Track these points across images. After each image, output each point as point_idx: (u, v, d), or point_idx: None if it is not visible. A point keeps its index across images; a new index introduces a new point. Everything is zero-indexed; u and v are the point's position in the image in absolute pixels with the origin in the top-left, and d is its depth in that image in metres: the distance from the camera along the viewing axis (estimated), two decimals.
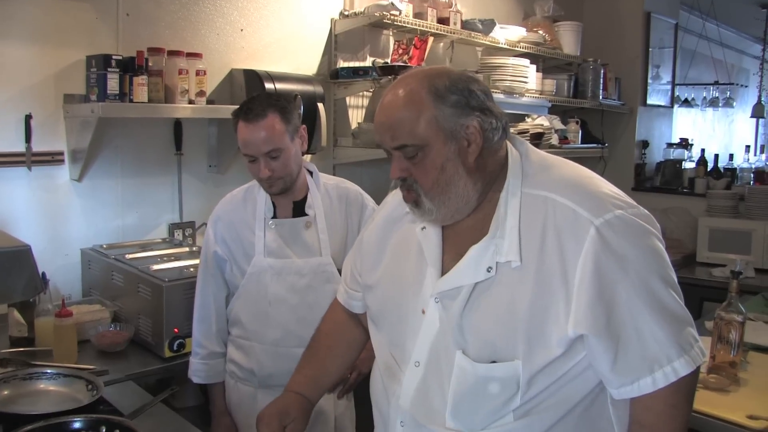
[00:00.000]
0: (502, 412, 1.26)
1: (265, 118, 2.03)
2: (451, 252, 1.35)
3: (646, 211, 1.28)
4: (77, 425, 1.60)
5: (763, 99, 6.68)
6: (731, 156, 5.58)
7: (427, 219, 1.35)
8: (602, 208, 1.23)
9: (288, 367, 1.76)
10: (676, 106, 6.11)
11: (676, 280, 1.26)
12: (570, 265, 1.21)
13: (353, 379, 2.25)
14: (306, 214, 2.20)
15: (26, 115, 2.57)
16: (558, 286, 1.22)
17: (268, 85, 3.06)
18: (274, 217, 2.19)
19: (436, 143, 1.27)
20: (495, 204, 1.31)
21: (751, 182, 5.11)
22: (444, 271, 1.34)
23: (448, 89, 1.27)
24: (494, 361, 1.25)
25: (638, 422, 1.28)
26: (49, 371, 1.93)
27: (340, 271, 2.15)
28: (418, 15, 3.66)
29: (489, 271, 1.27)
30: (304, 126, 2.17)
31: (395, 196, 1.55)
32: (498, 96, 3.87)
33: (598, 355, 1.22)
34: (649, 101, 5.53)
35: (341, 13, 3.61)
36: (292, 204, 2.20)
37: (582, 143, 4.90)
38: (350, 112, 3.77)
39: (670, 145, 5.75)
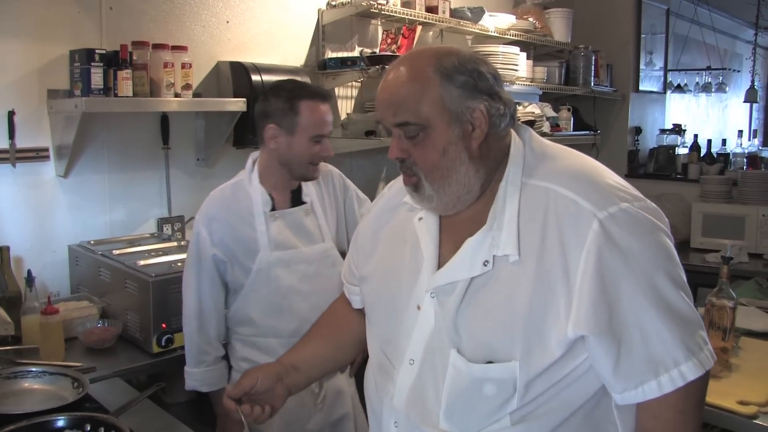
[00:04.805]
0: (497, 415, 1.20)
1: (328, 100, 2.15)
2: (449, 244, 1.29)
3: (653, 204, 1.21)
4: (61, 424, 1.58)
5: (756, 84, 6.65)
6: (724, 141, 5.57)
7: (427, 206, 1.30)
8: (606, 200, 1.17)
9: None
10: (668, 92, 6.09)
11: (685, 279, 1.19)
12: (572, 261, 1.15)
13: (360, 359, 2.23)
14: (304, 202, 2.20)
15: (9, 111, 2.54)
16: (558, 284, 1.15)
17: (255, 78, 3.04)
18: (273, 209, 2.16)
19: (440, 124, 1.21)
20: (495, 194, 1.25)
21: (744, 167, 5.09)
22: (441, 264, 1.29)
23: (457, 69, 1.22)
24: (490, 362, 1.19)
25: (645, 430, 1.21)
26: (33, 369, 1.91)
27: (341, 254, 2.16)
28: (406, 4, 3.63)
29: (485, 266, 1.21)
30: None
31: (392, 187, 1.51)
32: None
33: (600, 357, 1.16)
34: (642, 87, 5.50)
35: (328, 3, 3.58)
36: (290, 194, 2.20)
37: (574, 130, 4.88)
38: (339, 102, 3.74)
39: (663, 131, 5.73)
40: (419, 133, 1.23)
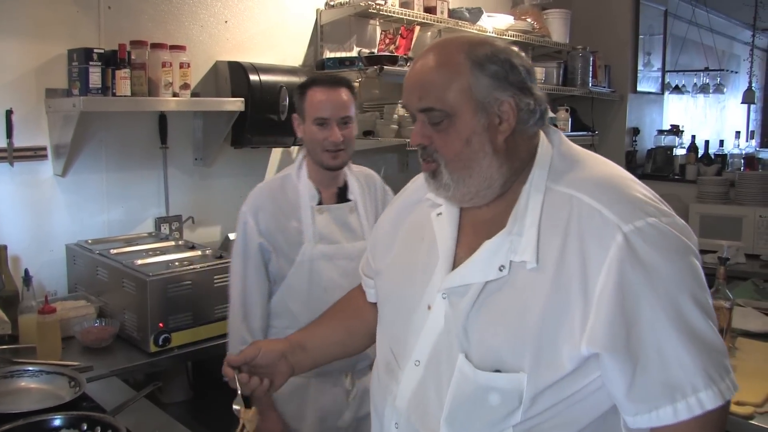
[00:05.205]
0: (500, 426, 1.15)
1: (342, 87, 2.15)
2: (466, 245, 1.26)
3: (682, 221, 1.15)
4: (57, 423, 1.58)
5: (753, 85, 6.66)
6: (721, 142, 5.58)
7: (443, 194, 1.25)
8: (633, 213, 1.11)
9: None
10: (666, 93, 6.10)
11: (712, 304, 1.12)
12: (591, 274, 1.09)
13: None
14: (349, 200, 2.25)
15: (7, 110, 2.54)
16: (576, 296, 1.10)
17: (253, 77, 3.04)
18: (320, 204, 2.20)
19: (465, 113, 1.18)
20: (518, 197, 1.21)
21: (742, 168, 5.10)
22: (456, 265, 1.25)
23: (489, 58, 1.18)
24: (498, 370, 1.14)
25: None
26: (30, 368, 1.92)
27: None
28: (404, 4, 3.63)
29: (501, 270, 1.16)
30: None
31: (416, 182, 1.47)
32: None
33: (613, 376, 1.10)
34: (640, 88, 5.51)
35: (327, 4, 3.58)
36: (337, 190, 2.25)
37: (572, 131, 4.87)
38: None
39: (660, 132, 5.74)
40: (443, 120, 1.19)
